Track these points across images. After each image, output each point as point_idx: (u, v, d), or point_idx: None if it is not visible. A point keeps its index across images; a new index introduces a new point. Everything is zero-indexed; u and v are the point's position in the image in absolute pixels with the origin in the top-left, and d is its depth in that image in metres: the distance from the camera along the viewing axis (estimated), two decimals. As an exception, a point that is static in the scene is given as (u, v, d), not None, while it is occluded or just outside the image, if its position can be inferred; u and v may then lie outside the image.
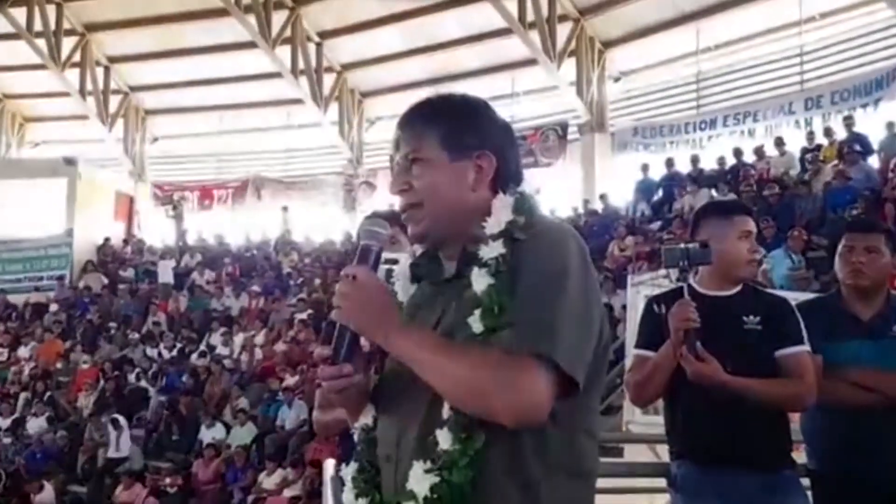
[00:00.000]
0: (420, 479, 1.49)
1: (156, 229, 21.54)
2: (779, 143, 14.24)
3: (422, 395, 1.54)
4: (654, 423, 4.70)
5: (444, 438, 1.49)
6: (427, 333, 1.56)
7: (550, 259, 1.53)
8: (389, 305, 1.56)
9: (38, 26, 20.41)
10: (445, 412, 1.50)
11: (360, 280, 1.54)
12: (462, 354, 1.48)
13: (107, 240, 20.44)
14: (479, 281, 1.54)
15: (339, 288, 1.55)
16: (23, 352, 16.72)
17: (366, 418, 1.72)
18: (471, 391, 1.46)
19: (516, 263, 1.53)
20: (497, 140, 1.69)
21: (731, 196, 12.41)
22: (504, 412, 1.44)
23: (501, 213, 1.61)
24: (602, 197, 15.97)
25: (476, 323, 1.51)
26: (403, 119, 1.71)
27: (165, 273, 18.25)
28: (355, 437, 1.73)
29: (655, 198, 15.11)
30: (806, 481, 2.96)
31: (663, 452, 3.24)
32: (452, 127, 1.66)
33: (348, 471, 1.71)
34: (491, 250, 1.56)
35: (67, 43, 20.88)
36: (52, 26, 20.52)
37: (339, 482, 2.33)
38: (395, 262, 1.84)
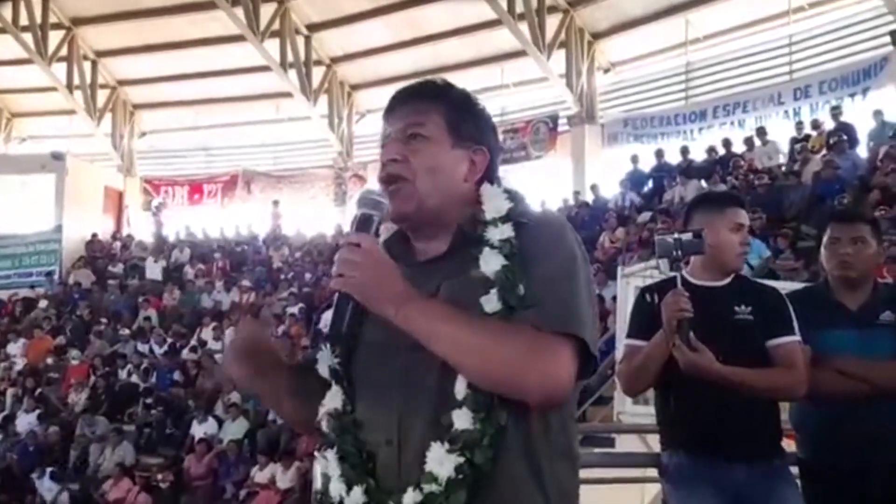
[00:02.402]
0: (441, 461, 1.45)
1: (145, 224, 21.46)
2: (761, 132, 14.29)
3: (423, 374, 1.49)
4: (646, 413, 4.72)
5: (461, 418, 1.45)
6: (447, 306, 1.48)
7: (562, 245, 1.55)
8: (399, 275, 1.50)
9: (23, 20, 20.29)
10: (461, 391, 1.46)
11: (365, 247, 1.48)
12: (491, 329, 1.45)
13: (94, 235, 20.35)
14: (491, 261, 1.51)
15: (342, 255, 1.48)
16: (12, 348, 16.64)
17: (334, 402, 1.62)
18: (501, 366, 1.43)
19: (524, 247, 1.53)
20: (491, 139, 1.70)
21: (722, 187, 12.46)
22: (535, 389, 1.44)
23: (497, 200, 1.60)
24: (592, 188, 15.98)
25: (491, 303, 1.48)
26: (406, 93, 1.67)
27: (153, 270, 18.20)
28: (323, 424, 1.62)
29: (645, 189, 15.14)
30: (796, 470, 2.98)
31: (654, 443, 3.25)
32: (459, 113, 1.65)
33: (329, 460, 1.60)
34: (500, 232, 1.55)
35: (54, 37, 20.75)
36: (39, 20, 20.39)
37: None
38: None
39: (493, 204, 1.59)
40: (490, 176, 1.66)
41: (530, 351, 1.43)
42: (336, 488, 1.57)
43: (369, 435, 1.56)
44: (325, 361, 1.65)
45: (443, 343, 1.45)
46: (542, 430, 1.51)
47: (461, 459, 1.44)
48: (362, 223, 1.54)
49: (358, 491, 1.54)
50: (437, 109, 1.64)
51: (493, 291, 1.48)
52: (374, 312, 1.49)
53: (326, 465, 1.60)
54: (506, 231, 1.55)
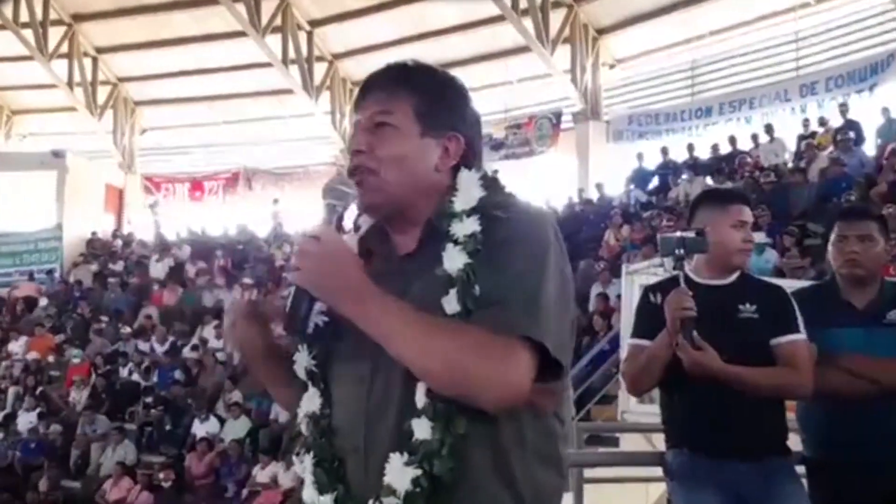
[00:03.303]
0: (399, 473, 1.40)
1: (146, 221, 21.44)
2: (768, 129, 14.23)
3: (390, 379, 1.45)
4: (650, 412, 4.72)
5: (420, 428, 1.40)
6: (405, 305, 1.42)
7: (533, 238, 1.47)
8: (359, 270, 1.44)
9: (24, 17, 20.28)
10: (420, 399, 1.41)
11: (324, 240, 1.43)
12: (445, 330, 1.39)
13: (94, 234, 20.34)
14: (454, 259, 1.45)
15: (300, 246, 1.43)
16: (13, 346, 16.63)
17: (311, 405, 1.58)
18: (453, 369, 1.37)
19: (494, 241, 1.45)
20: (468, 125, 1.61)
21: (728, 184, 12.39)
22: (487, 393, 1.38)
23: (471, 188, 1.53)
24: (597, 186, 15.92)
25: (451, 303, 1.42)
26: (375, 78, 1.62)
27: (156, 269, 18.22)
28: (303, 427, 1.59)
29: (651, 186, 15.08)
30: (801, 469, 2.98)
31: (659, 441, 3.25)
32: (429, 100, 1.57)
33: (305, 464, 1.57)
34: (465, 227, 1.47)
35: (54, 34, 20.71)
36: (39, 17, 20.38)
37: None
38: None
39: (465, 195, 1.52)
40: (469, 162, 1.58)
41: (481, 355, 1.37)
42: (308, 494, 1.55)
43: (341, 441, 1.53)
44: (302, 363, 1.60)
45: (395, 343, 1.39)
46: (514, 437, 1.45)
47: (418, 472, 1.39)
48: (327, 214, 1.50)
49: (328, 499, 1.51)
50: (405, 95, 1.57)
51: (453, 292, 1.42)
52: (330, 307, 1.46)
53: (302, 469, 1.57)
54: (471, 226, 1.47)
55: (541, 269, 1.44)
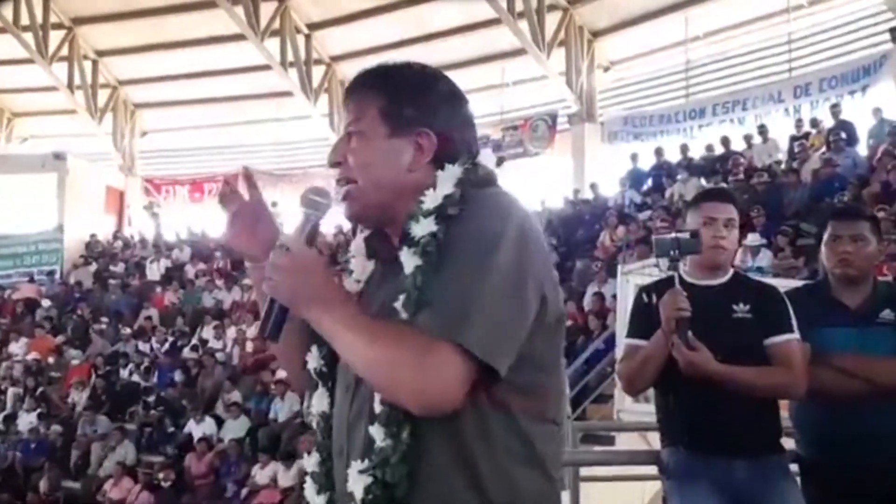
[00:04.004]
0: (356, 480, 1.41)
1: (146, 223, 21.47)
2: (762, 130, 14.29)
3: (367, 386, 1.44)
4: (646, 411, 4.72)
5: (377, 434, 1.40)
6: (350, 311, 1.41)
7: (480, 233, 1.40)
8: (320, 279, 1.42)
9: (24, 20, 20.29)
10: (377, 406, 1.41)
11: (293, 251, 1.42)
12: (378, 334, 1.37)
13: (93, 236, 20.34)
14: (408, 262, 1.43)
15: (272, 258, 1.42)
16: (14, 347, 16.66)
17: (321, 404, 1.61)
18: (378, 372, 1.36)
19: (447, 241, 1.41)
20: (443, 116, 1.55)
21: (721, 184, 12.46)
22: (408, 397, 1.35)
23: (443, 186, 1.47)
24: (592, 186, 15.99)
25: (401, 308, 1.40)
26: (350, 86, 1.61)
27: (152, 271, 18.26)
28: (314, 425, 1.61)
29: (645, 187, 15.15)
30: (795, 467, 2.99)
31: (655, 440, 3.26)
32: (393, 100, 1.54)
33: (310, 462, 1.59)
34: (422, 228, 1.43)
35: (55, 37, 20.74)
36: (39, 20, 20.39)
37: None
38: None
39: (433, 193, 1.47)
40: (454, 156, 1.52)
41: (404, 358, 1.34)
42: (309, 492, 1.59)
43: (334, 443, 1.56)
44: (313, 362, 1.62)
45: (341, 348, 1.41)
46: (479, 437, 1.40)
47: (369, 480, 1.39)
48: (301, 224, 1.50)
49: (322, 499, 1.56)
50: (372, 99, 1.55)
51: (402, 296, 1.40)
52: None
53: (309, 466, 1.61)
54: (427, 226, 1.43)
55: (480, 268, 1.37)
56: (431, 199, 1.46)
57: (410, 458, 1.38)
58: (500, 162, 1.63)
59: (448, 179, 1.48)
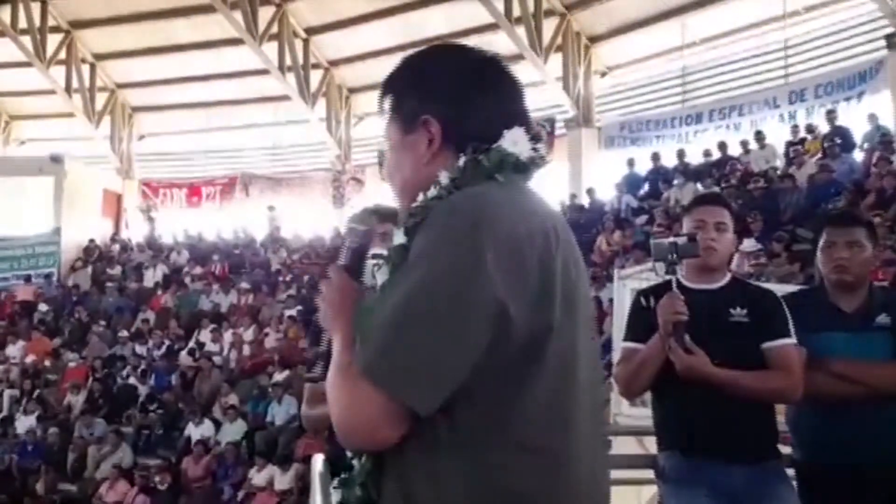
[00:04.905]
0: (335, 493, 1.44)
1: (143, 227, 21.47)
2: (758, 136, 14.33)
3: None
4: (642, 415, 4.73)
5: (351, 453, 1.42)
6: (342, 342, 1.38)
7: (418, 248, 1.31)
8: (345, 306, 1.41)
9: (22, 23, 20.29)
10: None
11: (332, 280, 1.46)
12: (338, 371, 1.35)
13: (91, 239, 20.34)
14: (381, 279, 1.39)
15: (322, 289, 1.47)
16: (11, 350, 16.65)
17: None
18: (331, 410, 1.34)
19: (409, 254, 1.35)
20: (443, 99, 1.44)
21: (717, 189, 12.51)
22: (341, 436, 1.31)
23: (435, 186, 1.40)
24: (589, 192, 16.03)
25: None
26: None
27: (148, 277, 18.28)
28: None
29: (642, 192, 15.19)
30: (792, 471, 3.00)
31: (651, 444, 3.27)
32: (397, 97, 1.49)
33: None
34: (397, 238, 1.38)
35: (52, 40, 20.72)
36: (37, 23, 20.39)
37: (327, 478, 2.30)
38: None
39: (426, 194, 1.40)
40: (466, 134, 1.43)
41: (341, 399, 1.31)
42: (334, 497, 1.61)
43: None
44: None
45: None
46: (428, 470, 1.30)
47: (337, 497, 1.41)
48: (343, 253, 1.51)
49: None
50: (387, 104, 1.51)
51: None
52: None
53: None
54: (398, 237, 1.37)
55: (404, 292, 1.28)
56: (417, 203, 1.40)
57: (369, 484, 1.35)
58: (536, 138, 1.50)
59: (447, 175, 1.39)
